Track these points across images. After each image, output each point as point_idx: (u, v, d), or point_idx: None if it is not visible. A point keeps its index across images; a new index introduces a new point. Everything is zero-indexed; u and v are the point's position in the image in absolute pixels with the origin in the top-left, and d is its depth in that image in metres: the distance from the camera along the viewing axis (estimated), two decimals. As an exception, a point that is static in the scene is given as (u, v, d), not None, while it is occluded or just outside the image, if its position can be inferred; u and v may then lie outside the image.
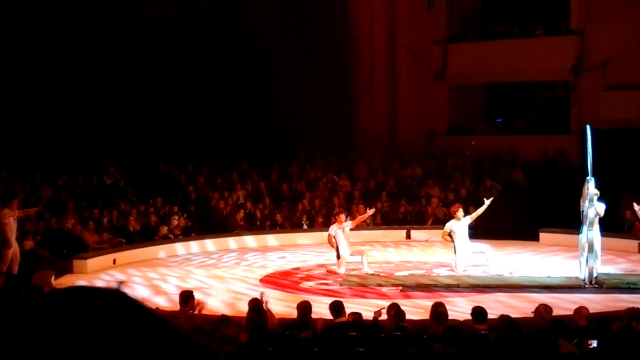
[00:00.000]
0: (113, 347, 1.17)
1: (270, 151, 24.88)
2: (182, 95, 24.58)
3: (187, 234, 20.66)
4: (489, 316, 9.60)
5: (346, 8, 26.76)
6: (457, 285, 15.05)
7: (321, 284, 15.92)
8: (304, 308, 9.89)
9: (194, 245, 20.24)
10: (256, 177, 23.83)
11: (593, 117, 21.81)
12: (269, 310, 10.18)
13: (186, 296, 10.77)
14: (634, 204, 16.17)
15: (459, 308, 12.45)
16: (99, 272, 17.35)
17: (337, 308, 10.02)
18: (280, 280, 16.47)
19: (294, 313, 10.58)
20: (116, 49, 23.40)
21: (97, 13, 22.59)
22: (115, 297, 1.25)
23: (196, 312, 10.52)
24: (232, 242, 20.83)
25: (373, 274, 16.33)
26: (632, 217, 18.22)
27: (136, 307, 1.25)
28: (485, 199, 16.93)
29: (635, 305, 10.10)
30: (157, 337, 1.22)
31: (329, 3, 25.91)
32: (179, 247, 19.99)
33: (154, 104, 23.96)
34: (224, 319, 10.14)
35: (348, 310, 10.41)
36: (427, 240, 20.69)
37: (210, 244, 20.51)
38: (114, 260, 18.28)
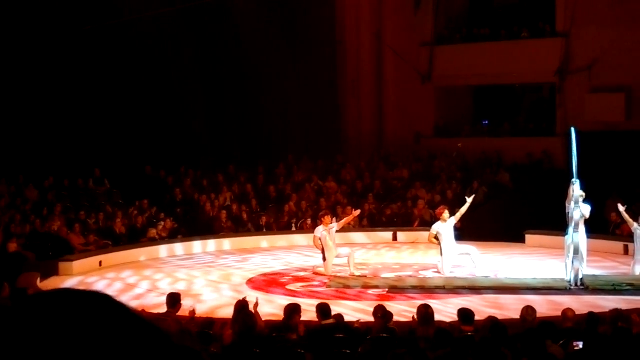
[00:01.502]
0: (98, 350, 1.17)
1: (257, 153, 24.86)
2: (168, 97, 24.51)
3: (173, 236, 20.61)
4: (476, 318, 9.62)
5: (332, 10, 26.75)
6: (444, 287, 15.08)
7: (308, 286, 15.92)
8: (291, 310, 9.87)
9: (181, 248, 20.20)
10: (243, 179, 23.80)
11: (578, 119, 21.92)
12: (256, 312, 10.16)
13: (174, 299, 10.74)
14: (619, 205, 16.25)
15: (446, 310, 12.47)
16: (85, 275, 17.29)
17: (324, 310, 10.02)
18: (267, 282, 16.45)
19: (280, 315, 10.57)
20: (103, 50, 23.29)
21: (84, 15, 22.50)
22: (100, 300, 1.25)
23: (189, 316, 10.47)
24: (218, 244, 20.80)
25: (359, 276, 16.32)
26: (618, 219, 18.29)
27: (121, 309, 1.25)
28: (467, 198, 16.98)
29: (620, 307, 10.17)
30: (142, 339, 1.22)
31: (315, 6, 25.91)
32: (166, 250, 19.93)
33: (141, 105, 23.86)
34: (210, 322, 10.12)
35: (334, 312, 10.40)
36: (413, 242, 20.72)
37: (196, 246, 20.47)
38: (100, 263, 18.21)
